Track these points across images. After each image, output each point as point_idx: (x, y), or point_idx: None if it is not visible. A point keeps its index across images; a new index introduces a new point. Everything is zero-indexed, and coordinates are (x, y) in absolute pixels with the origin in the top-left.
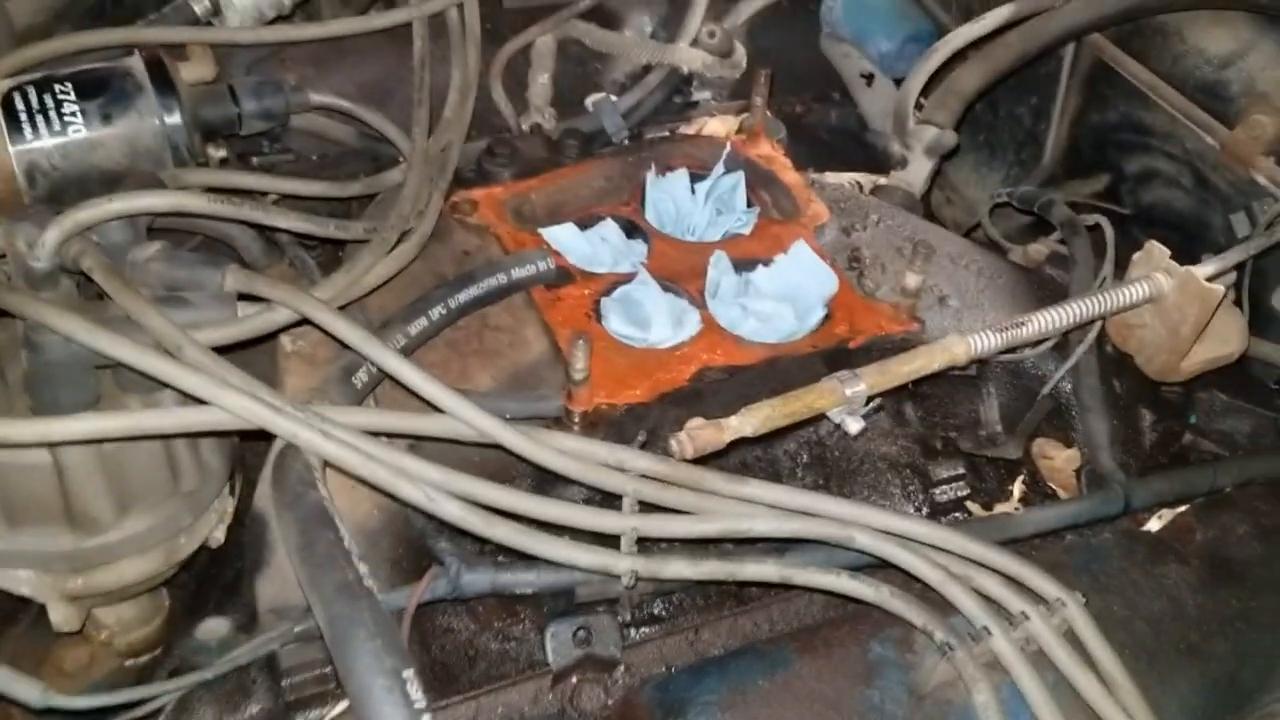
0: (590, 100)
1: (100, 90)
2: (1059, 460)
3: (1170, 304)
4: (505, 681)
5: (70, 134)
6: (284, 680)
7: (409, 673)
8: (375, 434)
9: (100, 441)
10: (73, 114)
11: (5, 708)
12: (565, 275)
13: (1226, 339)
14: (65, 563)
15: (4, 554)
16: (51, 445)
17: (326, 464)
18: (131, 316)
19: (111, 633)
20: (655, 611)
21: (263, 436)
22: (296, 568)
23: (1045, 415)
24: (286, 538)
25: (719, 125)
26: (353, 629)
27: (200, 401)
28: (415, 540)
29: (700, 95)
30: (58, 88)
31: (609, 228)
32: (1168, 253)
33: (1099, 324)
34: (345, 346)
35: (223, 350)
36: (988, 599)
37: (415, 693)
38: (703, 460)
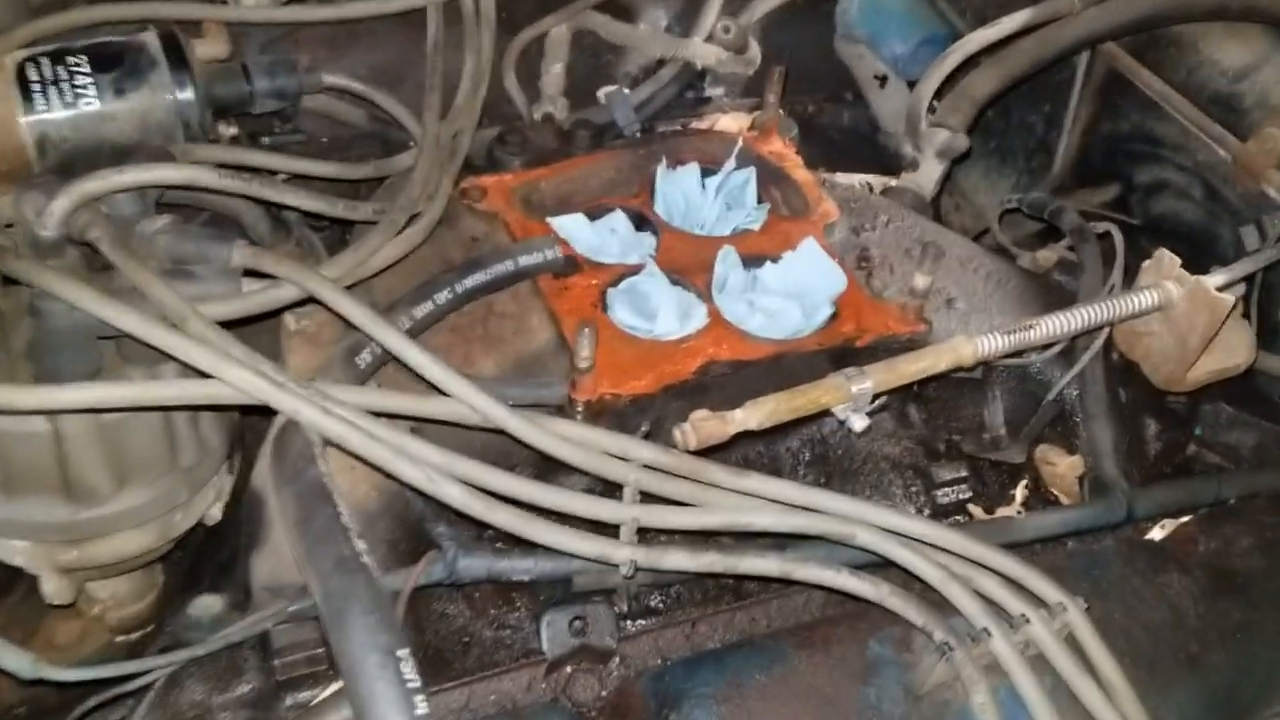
0: (602, 92)
1: (114, 64)
2: (1062, 467)
3: (1179, 312)
4: (499, 669)
5: (82, 106)
6: (276, 659)
7: (404, 651)
8: (378, 415)
9: (102, 411)
10: (86, 86)
11: None
12: (572, 264)
13: (1234, 350)
14: (61, 534)
15: (1, 523)
16: (54, 413)
17: (327, 442)
18: (137, 288)
19: (104, 608)
20: (652, 604)
21: (263, 413)
22: (294, 542)
23: (1049, 421)
24: (285, 512)
25: (730, 122)
26: (348, 604)
27: (204, 375)
28: (413, 524)
29: (713, 91)
30: (72, 60)
31: (618, 219)
32: (1178, 261)
33: (1106, 331)
34: (351, 326)
35: (227, 326)
36: (988, 601)
37: (409, 671)
38: (706, 453)
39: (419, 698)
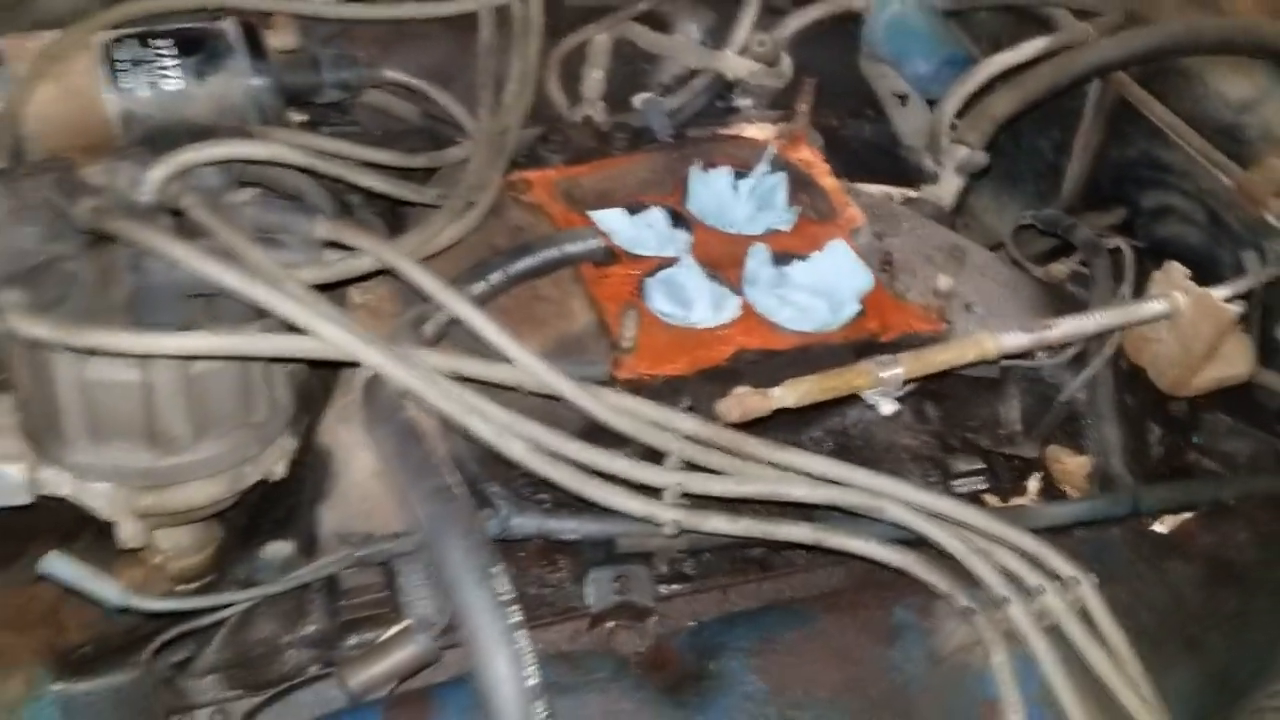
0: (638, 99)
1: (196, 48)
2: (1071, 465)
3: (1186, 320)
4: (545, 620)
5: (165, 86)
6: (342, 601)
7: (498, 568)
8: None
9: (202, 358)
10: (169, 68)
11: (57, 618)
12: (612, 255)
13: (1235, 360)
14: (141, 479)
15: (86, 466)
16: (158, 358)
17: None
18: (232, 249)
19: (166, 557)
20: (686, 570)
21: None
22: (393, 473)
23: (1060, 421)
24: (382, 448)
25: (756, 132)
26: (448, 527)
27: (296, 331)
28: (469, 483)
29: (741, 102)
30: (157, 42)
31: (655, 214)
32: (1187, 272)
33: (1117, 335)
34: (414, 300)
35: None
36: (1007, 573)
37: (502, 586)
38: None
39: (513, 608)
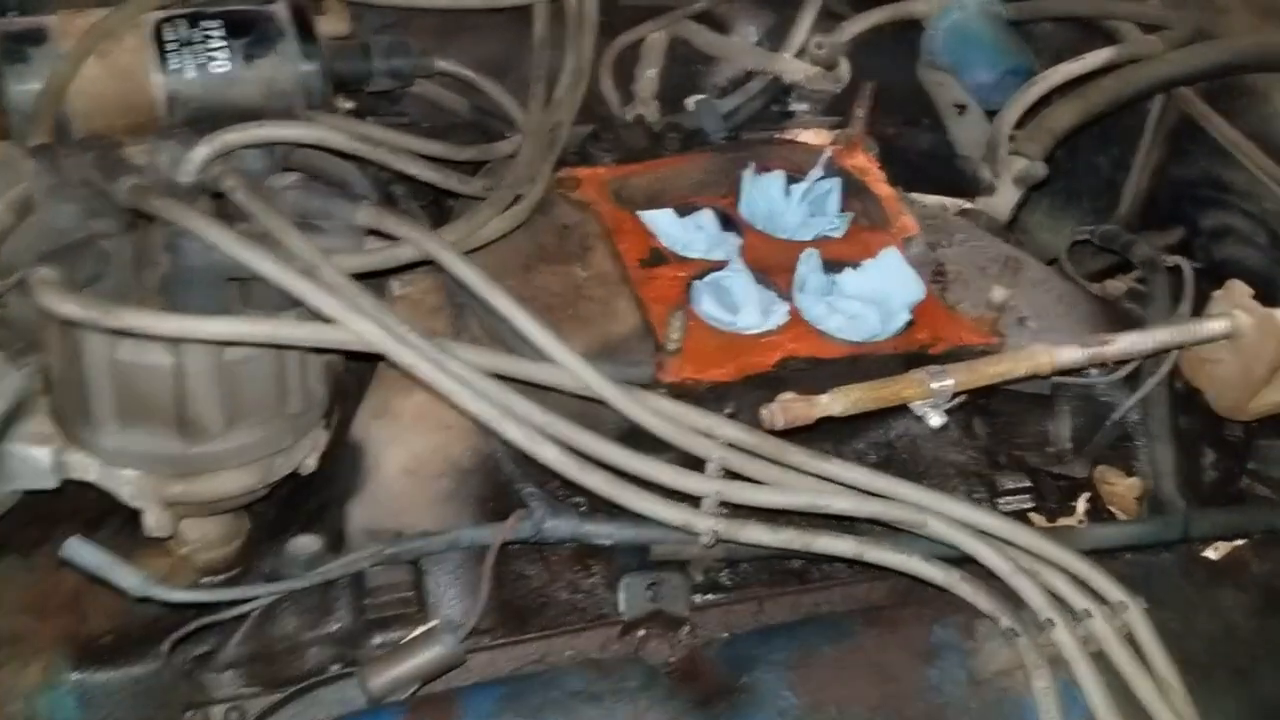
0: (691, 100)
1: (246, 30)
2: (1121, 487)
3: (1247, 341)
4: (576, 626)
5: (213, 68)
6: (368, 599)
7: None
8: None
9: (237, 344)
10: (218, 50)
11: (79, 606)
12: (660, 256)
13: None
14: (171, 466)
15: (113, 451)
16: (192, 341)
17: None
18: (272, 234)
19: (193, 548)
20: (721, 580)
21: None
22: None
23: (1111, 441)
24: None
25: (811, 138)
26: None
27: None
28: (503, 483)
29: (797, 107)
30: (206, 23)
31: (706, 216)
32: (1249, 291)
33: (1173, 355)
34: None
35: None
36: (1053, 595)
37: None
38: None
39: None
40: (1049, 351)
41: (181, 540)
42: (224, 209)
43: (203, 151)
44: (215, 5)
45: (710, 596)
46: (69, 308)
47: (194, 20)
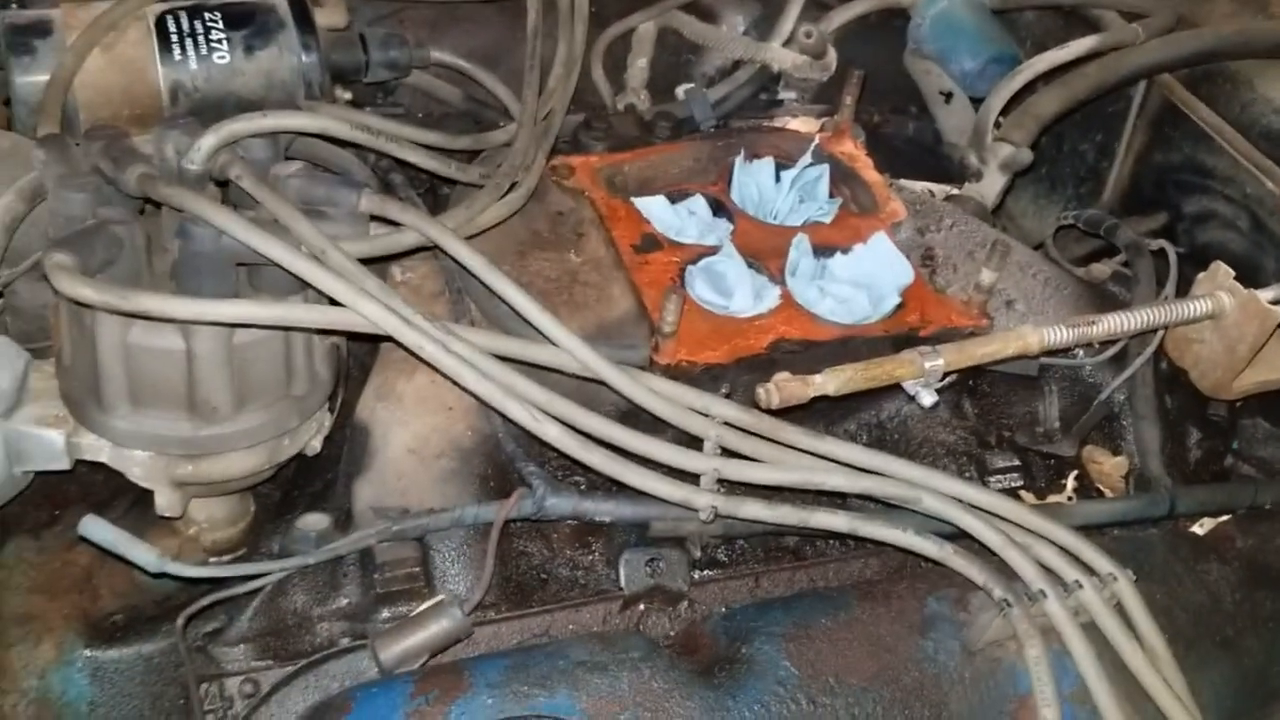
0: (681, 89)
1: (246, 22)
2: (1108, 466)
3: (1230, 322)
4: (577, 601)
5: (215, 59)
6: (377, 574)
7: None
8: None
9: (247, 327)
10: (219, 41)
11: (91, 585)
12: (654, 242)
13: (1277, 365)
14: (181, 447)
15: (125, 433)
16: (204, 324)
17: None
18: (279, 220)
19: (200, 529)
20: (719, 557)
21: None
22: None
23: (1098, 422)
24: None
25: (799, 126)
26: None
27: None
28: (505, 463)
29: (785, 95)
30: (208, 15)
31: (698, 203)
32: (1232, 273)
33: (1159, 335)
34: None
35: None
36: (1044, 567)
37: None
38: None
39: None
40: (1037, 331)
41: (189, 521)
42: (228, 197)
43: (210, 140)
44: None
45: (708, 572)
46: (85, 291)
47: (195, 12)
